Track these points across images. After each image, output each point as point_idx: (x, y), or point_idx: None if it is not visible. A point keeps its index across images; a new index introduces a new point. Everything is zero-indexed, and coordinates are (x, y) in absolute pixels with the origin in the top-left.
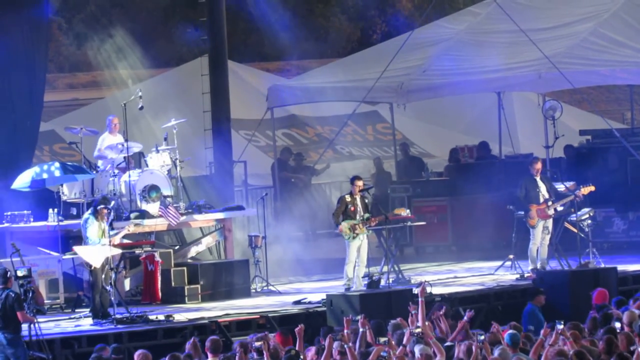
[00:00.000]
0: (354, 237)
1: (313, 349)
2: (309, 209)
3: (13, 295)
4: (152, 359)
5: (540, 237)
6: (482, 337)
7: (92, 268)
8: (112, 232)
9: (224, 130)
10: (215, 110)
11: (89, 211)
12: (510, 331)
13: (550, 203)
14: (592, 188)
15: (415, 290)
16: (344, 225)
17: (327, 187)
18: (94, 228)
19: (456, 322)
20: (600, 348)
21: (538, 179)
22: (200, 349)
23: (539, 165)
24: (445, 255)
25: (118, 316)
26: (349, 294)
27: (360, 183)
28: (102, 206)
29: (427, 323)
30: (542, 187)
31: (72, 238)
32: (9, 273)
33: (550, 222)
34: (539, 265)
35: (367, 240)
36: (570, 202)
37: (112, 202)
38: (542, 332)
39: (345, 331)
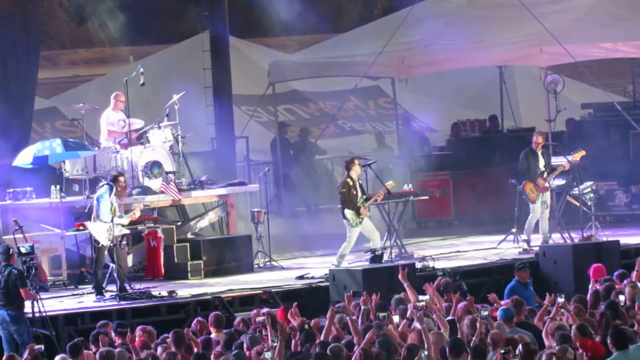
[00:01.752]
0: (360, 222)
1: None
2: (311, 183)
3: (16, 272)
4: (156, 335)
5: (539, 211)
6: (486, 313)
7: (100, 245)
8: (119, 215)
9: (226, 106)
10: (217, 86)
11: (104, 187)
12: (504, 307)
13: (545, 176)
14: (583, 153)
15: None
16: (350, 213)
17: (329, 162)
18: (107, 204)
19: (460, 297)
20: (596, 322)
21: (539, 152)
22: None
23: (540, 139)
24: (447, 230)
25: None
26: (352, 268)
27: (359, 162)
28: (119, 177)
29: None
30: (541, 162)
31: (74, 214)
32: (11, 250)
33: (547, 195)
34: (541, 239)
35: (367, 219)
36: (573, 176)
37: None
38: (547, 300)
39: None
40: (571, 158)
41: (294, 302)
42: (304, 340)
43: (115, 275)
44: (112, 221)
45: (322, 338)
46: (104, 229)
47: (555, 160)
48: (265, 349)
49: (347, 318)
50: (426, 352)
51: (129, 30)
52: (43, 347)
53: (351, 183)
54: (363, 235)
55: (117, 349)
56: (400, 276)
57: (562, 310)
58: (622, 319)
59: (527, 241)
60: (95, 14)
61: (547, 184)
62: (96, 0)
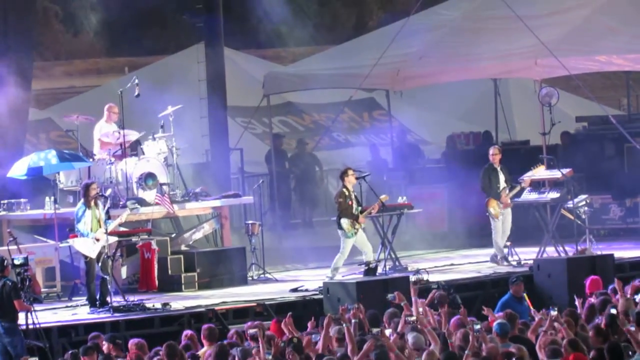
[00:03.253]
0: (355, 232)
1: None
2: (306, 196)
3: (10, 283)
4: (148, 347)
5: (501, 228)
6: (479, 327)
7: (88, 259)
8: (109, 222)
9: (221, 118)
10: (212, 97)
11: (79, 203)
12: (500, 320)
13: (507, 192)
14: (542, 167)
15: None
16: (346, 223)
17: (323, 174)
18: (87, 219)
19: (453, 310)
20: (592, 336)
21: (498, 168)
22: (197, 339)
23: (497, 153)
24: (441, 242)
25: (115, 304)
26: (346, 281)
27: (353, 172)
28: (90, 188)
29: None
30: (501, 178)
31: (68, 226)
32: (5, 261)
33: (508, 212)
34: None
35: (362, 231)
36: (567, 189)
37: (109, 191)
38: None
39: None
40: (523, 181)
41: (289, 313)
42: (291, 354)
43: (109, 287)
44: (89, 234)
45: (320, 346)
46: (89, 243)
47: (549, 174)
48: None
49: (344, 326)
50: None
51: (124, 42)
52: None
53: (347, 193)
54: (355, 248)
55: None
56: (397, 299)
57: (555, 323)
58: (619, 334)
59: (504, 257)
60: (91, 25)
61: (509, 201)
62: (91, 12)
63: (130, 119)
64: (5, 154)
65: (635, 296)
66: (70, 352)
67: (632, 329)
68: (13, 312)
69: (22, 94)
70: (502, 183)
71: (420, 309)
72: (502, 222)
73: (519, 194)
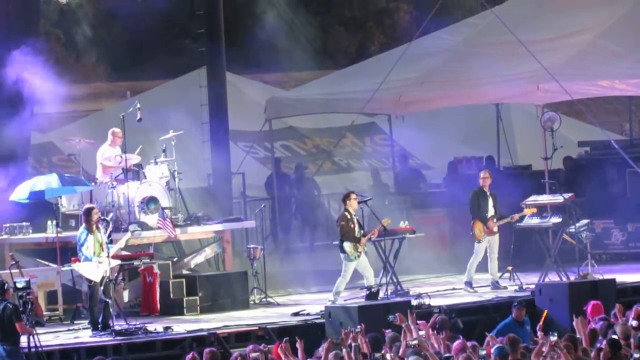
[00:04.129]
0: (358, 256)
1: None
2: (308, 220)
3: (11, 306)
4: None
5: (482, 254)
6: (484, 352)
7: (92, 283)
8: (110, 246)
9: (223, 142)
10: (214, 121)
11: (80, 228)
12: (497, 345)
13: (495, 220)
14: (533, 210)
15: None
16: (349, 246)
17: (325, 198)
18: (89, 243)
19: (454, 334)
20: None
21: (488, 192)
22: None
23: (487, 177)
24: (443, 267)
25: (117, 328)
26: (348, 305)
27: (355, 196)
28: (92, 213)
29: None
30: (490, 203)
31: (71, 250)
32: (6, 285)
33: (495, 239)
34: (490, 280)
35: (364, 255)
36: (569, 214)
37: (111, 215)
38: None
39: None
40: (515, 216)
41: (287, 338)
42: None
43: (111, 310)
44: (92, 258)
45: None
46: (93, 267)
47: (551, 199)
48: None
49: (344, 351)
50: None
51: (127, 66)
52: None
53: (349, 216)
54: (356, 272)
55: None
56: (398, 321)
57: (555, 348)
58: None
59: (469, 283)
60: (93, 48)
61: (495, 229)
62: (93, 36)
63: (132, 143)
64: (8, 178)
65: (634, 321)
66: None
67: (637, 356)
68: (15, 335)
69: (25, 117)
70: (491, 208)
71: (422, 332)
72: (486, 246)
73: (520, 220)
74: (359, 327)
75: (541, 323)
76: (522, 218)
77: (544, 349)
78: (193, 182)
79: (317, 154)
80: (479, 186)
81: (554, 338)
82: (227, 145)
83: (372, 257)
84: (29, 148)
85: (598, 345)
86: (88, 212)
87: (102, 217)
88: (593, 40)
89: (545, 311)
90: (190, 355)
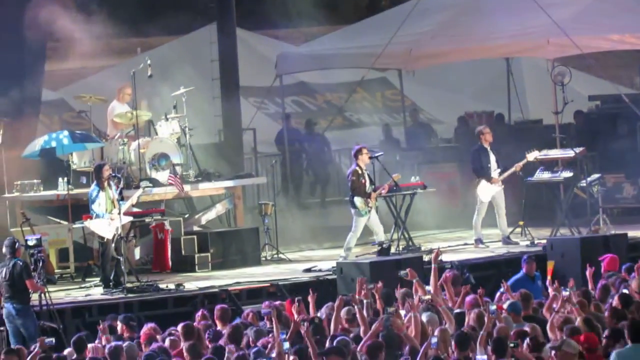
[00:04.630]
0: (368, 211)
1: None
2: (319, 176)
3: (21, 263)
4: (162, 328)
5: (485, 211)
6: (494, 308)
7: (105, 240)
8: (122, 203)
9: (233, 98)
10: (224, 77)
11: (93, 185)
12: (512, 300)
13: (497, 175)
14: (536, 154)
15: (426, 257)
16: (360, 201)
17: (336, 154)
18: (101, 200)
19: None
20: (608, 315)
21: (489, 149)
22: (210, 318)
23: (488, 134)
24: (455, 222)
25: (128, 285)
26: (360, 261)
27: (367, 151)
28: (103, 169)
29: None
30: (492, 158)
31: (82, 207)
32: (17, 243)
33: (501, 194)
34: (500, 236)
35: (374, 211)
36: (580, 168)
37: (122, 172)
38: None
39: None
40: (519, 163)
41: (299, 297)
42: (313, 332)
43: (122, 268)
44: (104, 215)
45: (332, 328)
46: (105, 223)
47: (562, 153)
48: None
49: (356, 307)
50: (435, 340)
51: (137, 22)
52: (54, 340)
53: (360, 172)
54: (366, 228)
55: (126, 343)
56: (432, 257)
57: (567, 304)
58: (634, 313)
59: (479, 240)
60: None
61: (500, 183)
62: None
63: (143, 100)
64: (18, 135)
65: None
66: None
67: None
68: (25, 293)
69: (35, 75)
70: (494, 164)
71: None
72: (495, 205)
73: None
74: (373, 284)
75: (549, 276)
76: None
77: (555, 303)
78: (204, 138)
79: (328, 109)
80: (479, 144)
81: (566, 293)
82: (238, 101)
83: (383, 213)
84: (39, 105)
85: (610, 300)
86: (99, 169)
87: (114, 174)
88: None
89: (552, 262)
90: (199, 313)
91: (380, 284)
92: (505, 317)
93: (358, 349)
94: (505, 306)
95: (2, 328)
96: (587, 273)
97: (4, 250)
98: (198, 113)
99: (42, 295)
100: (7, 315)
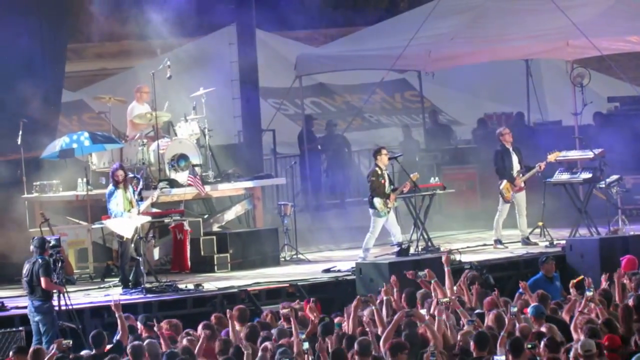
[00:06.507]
0: (387, 212)
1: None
2: (338, 177)
3: (41, 261)
4: (182, 328)
5: (507, 211)
6: (515, 309)
7: (124, 239)
8: (140, 203)
9: (253, 99)
10: (244, 78)
11: (109, 186)
12: (534, 304)
13: (521, 175)
14: (557, 154)
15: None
16: (379, 202)
17: (355, 155)
18: (119, 199)
19: (485, 290)
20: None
21: (511, 149)
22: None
23: (507, 135)
24: (474, 223)
25: (147, 285)
26: (379, 262)
27: (386, 152)
28: (116, 174)
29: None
30: (515, 159)
31: (101, 208)
32: (46, 244)
33: (522, 195)
34: (520, 236)
35: (393, 212)
36: (599, 170)
37: (141, 172)
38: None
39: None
40: (542, 163)
41: (317, 297)
42: (322, 333)
43: (141, 268)
44: (122, 214)
45: (350, 327)
46: (124, 222)
47: (581, 154)
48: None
49: (373, 307)
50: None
51: (157, 23)
52: (71, 342)
53: (380, 172)
54: (384, 228)
55: (147, 340)
56: (444, 260)
57: (590, 304)
58: None
59: (498, 240)
60: (123, 6)
61: (522, 184)
62: None
63: (162, 101)
64: (38, 136)
65: None
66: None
67: None
68: (43, 290)
69: (55, 76)
70: (516, 164)
71: (455, 288)
72: (516, 205)
73: (589, 171)
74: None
75: (575, 281)
76: (549, 176)
77: (577, 307)
78: (223, 139)
79: (347, 110)
80: (501, 144)
81: (589, 294)
82: (257, 102)
83: (403, 214)
84: (59, 106)
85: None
86: (112, 173)
87: (133, 174)
88: None
89: (582, 277)
90: (213, 316)
91: (387, 287)
92: (525, 318)
93: (380, 346)
94: (529, 310)
95: (20, 328)
96: (602, 279)
97: (31, 248)
98: (217, 114)
99: (61, 295)
100: (29, 312)
